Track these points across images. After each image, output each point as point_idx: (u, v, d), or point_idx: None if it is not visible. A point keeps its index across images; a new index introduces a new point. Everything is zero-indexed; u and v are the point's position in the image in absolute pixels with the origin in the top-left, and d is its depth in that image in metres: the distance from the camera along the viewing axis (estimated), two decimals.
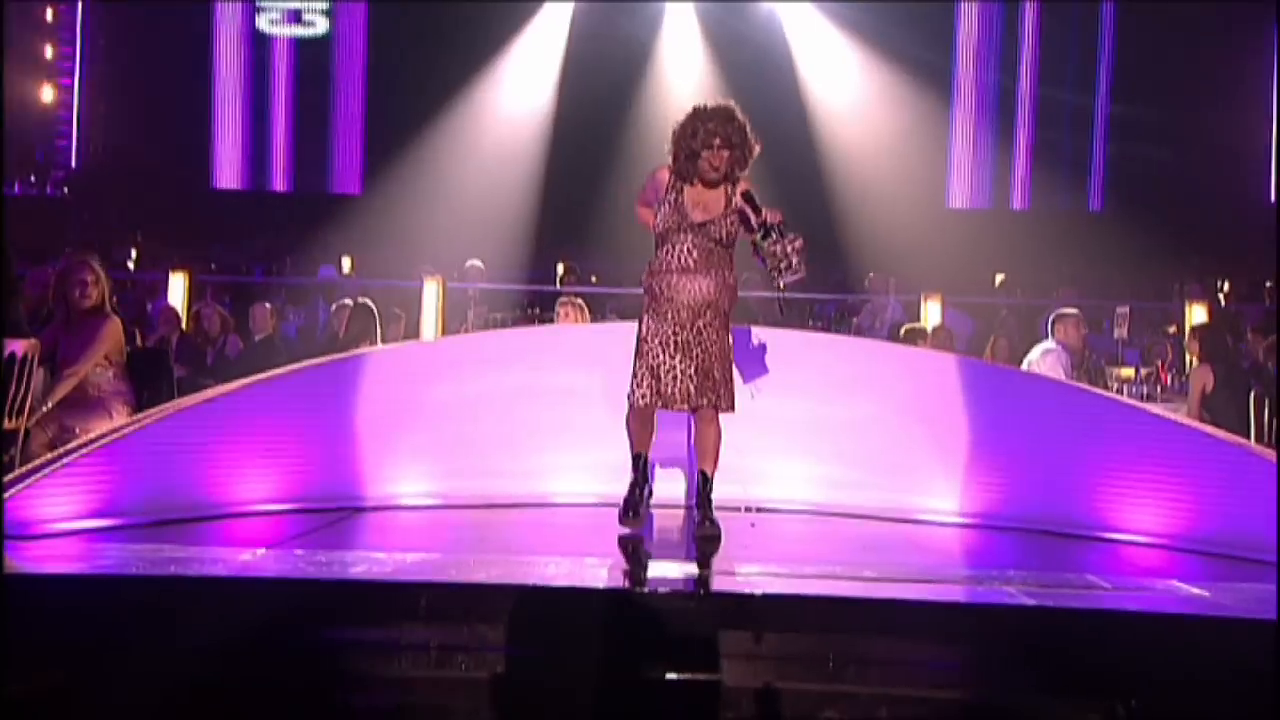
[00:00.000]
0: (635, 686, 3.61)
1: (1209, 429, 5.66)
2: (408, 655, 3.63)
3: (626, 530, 4.79)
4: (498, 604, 3.70)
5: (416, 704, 3.62)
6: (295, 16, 16.36)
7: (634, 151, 15.02)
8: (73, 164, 16.21)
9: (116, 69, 16.00)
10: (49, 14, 15.85)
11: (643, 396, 4.66)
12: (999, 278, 14.12)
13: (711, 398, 4.63)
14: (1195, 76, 15.26)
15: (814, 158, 15.52)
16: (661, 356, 4.63)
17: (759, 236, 4.46)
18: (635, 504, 4.80)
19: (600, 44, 15.72)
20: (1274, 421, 7.19)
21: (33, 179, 16.07)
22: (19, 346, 5.52)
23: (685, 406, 4.71)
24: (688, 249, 4.62)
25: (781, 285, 4.54)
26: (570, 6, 16.03)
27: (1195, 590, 4.16)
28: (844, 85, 15.89)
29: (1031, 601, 4.10)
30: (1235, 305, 12.50)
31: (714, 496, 4.82)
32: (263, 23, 16.40)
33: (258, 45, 16.46)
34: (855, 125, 15.84)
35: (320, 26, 16.48)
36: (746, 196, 4.60)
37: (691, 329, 4.61)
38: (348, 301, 9.28)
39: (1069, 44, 16.42)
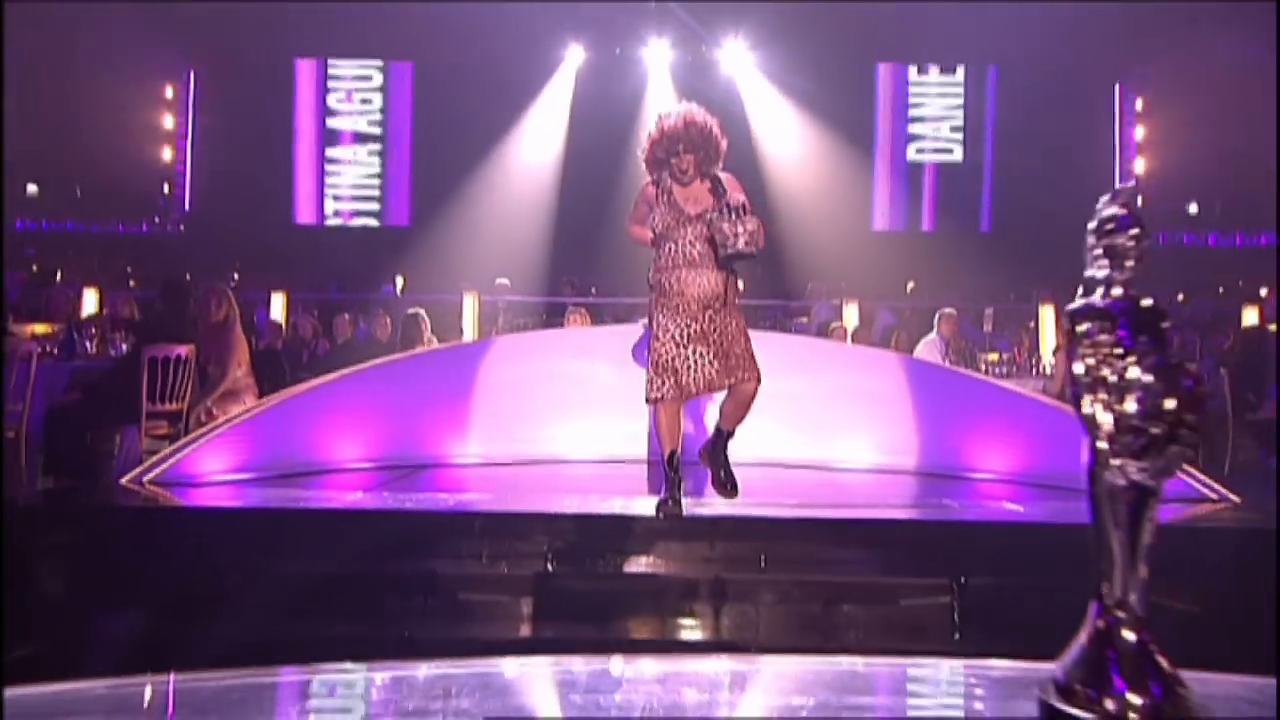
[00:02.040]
0: (626, 580, 3.87)
1: (1039, 396, 5.84)
2: (467, 562, 3.85)
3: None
4: (529, 526, 4.00)
5: (474, 597, 3.84)
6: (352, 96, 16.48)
7: (627, 191, 15.37)
8: (186, 208, 16.10)
9: (219, 132, 15.77)
10: (169, 91, 15.85)
11: (663, 392, 3.96)
12: (910, 285, 14.22)
13: (739, 375, 3.95)
14: (1058, 127, 15.20)
15: (764, 194, 14.83)
16: (676, 351, 3.92)
17: (713, 213, 3.87)
18: (675, 500, 4.05)
19: (598, 105, 15.42)
20: None
21: (156, 220, 16.04)
22: (183, 350, 5.72)
23: (708, 391, 4.07)
24: (690, 241, 3.95)
25: (721, 257, 3.88)
26: (573, 76, 15.86)
27: (1015, 507, 4.56)
28: (787, 137, 15.64)
29: (903, 516, 4.58)
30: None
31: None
32: (331, 101, 16.44)
33: (327, 111, 16.35)
34: (797, 168, 15.58)
35: (376, 102, 16.45)
36: (714, 180, 4.05)
37: (704, 319, 3.93)
38: (380, 311, 9.30)
39: (965, 101, 16.38)
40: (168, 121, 16.03)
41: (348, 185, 16.56)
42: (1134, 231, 1.07)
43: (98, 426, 5.46)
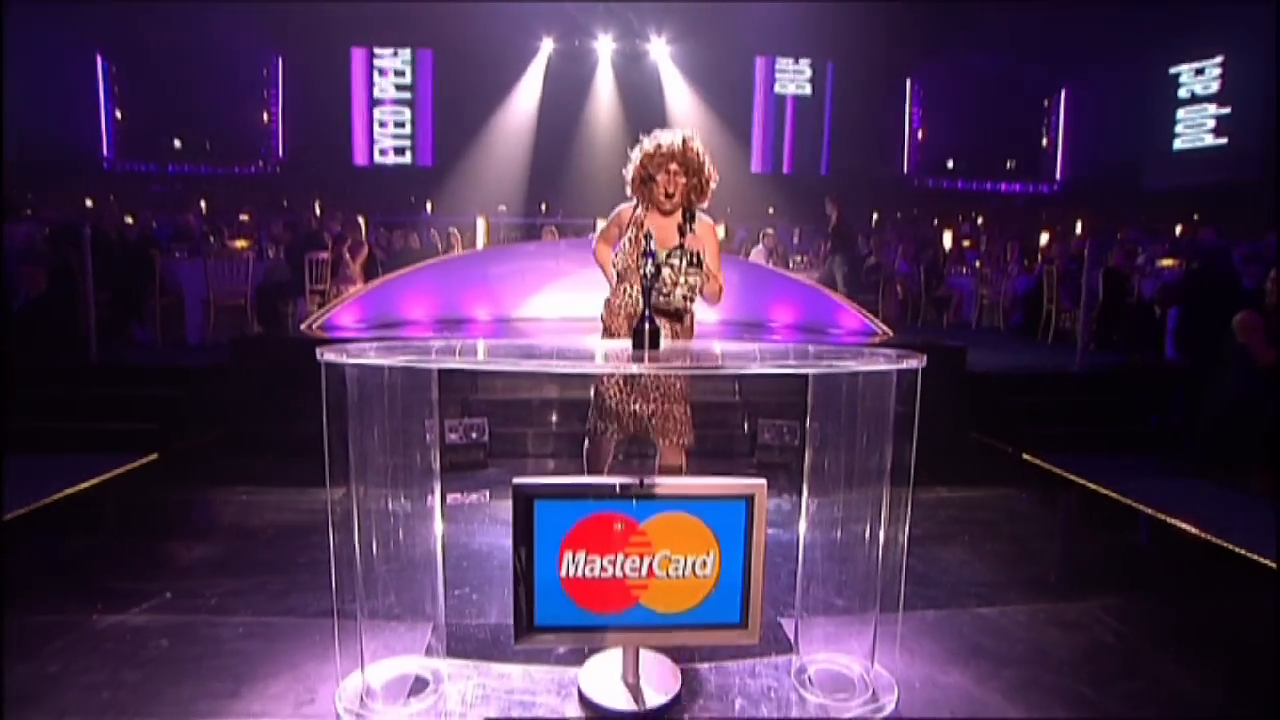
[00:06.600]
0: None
1: (811, 282, 6.43)
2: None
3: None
4: (520, 354, 4.73)
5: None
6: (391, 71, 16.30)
7: (583, 142, 15.15)
8: (279, 156, 16.14)
9: (299, 100, 15.84)
10: (264, 72, 15.76)
11: (606, 434, 2.78)
12: (770, 209, 14.75)
13: (674, 437, 2.74)
14: (871, 104, 15.72)
15: None
16: (620, 397, 2.72)
17: (664, 254, 2.53)
18: None
19: (563, 81, 15.54)
20: (852, 275, 7.64)
21: (261, 164, 16.06)
22: (325, 254, 6.40)
23: (645, 437, 2.78)
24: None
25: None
26: (546, 60, 15.78)
27: (777, 337, 5.47)
28: (692, 108, 15.71)
29: (718, 351, 5.62)
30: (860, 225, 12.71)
31: None
32: (376, 77, 16.11)
33: (375, 86, 16.21)
34: (698, 129, 14.58)
35: (408, 77, 16.19)
36: (686, 216, 2.73)
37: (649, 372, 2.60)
38: (425, 227, 9.38)
39: (812, 83, 16.55)
40: (264, 93, 15.99)
41: (389, 137, 16.57)
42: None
43: (283, 298, 6.33)
